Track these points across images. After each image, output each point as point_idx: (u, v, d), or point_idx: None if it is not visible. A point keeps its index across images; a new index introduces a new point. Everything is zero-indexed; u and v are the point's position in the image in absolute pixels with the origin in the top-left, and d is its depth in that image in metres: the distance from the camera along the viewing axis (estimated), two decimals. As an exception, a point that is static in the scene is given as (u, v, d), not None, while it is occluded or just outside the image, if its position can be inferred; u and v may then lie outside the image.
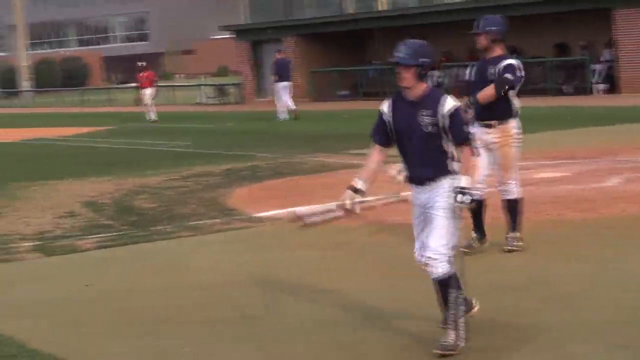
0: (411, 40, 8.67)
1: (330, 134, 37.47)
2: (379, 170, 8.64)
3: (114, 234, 18.05)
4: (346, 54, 57.59)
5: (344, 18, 63.10)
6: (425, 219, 8.48)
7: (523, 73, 14.23)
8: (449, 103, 8.11)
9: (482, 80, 14.12)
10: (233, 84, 67.16)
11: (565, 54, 47.54)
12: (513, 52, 50.82)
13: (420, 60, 8.12)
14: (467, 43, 51.26)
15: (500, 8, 57.59)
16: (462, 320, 8.35)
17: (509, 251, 14.01)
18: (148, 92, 54.11)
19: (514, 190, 14.15)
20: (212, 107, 65.49)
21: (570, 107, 40.12)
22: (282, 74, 52.55)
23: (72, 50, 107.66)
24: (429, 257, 8.22)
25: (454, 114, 8.13)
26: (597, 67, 45.57)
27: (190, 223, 18.86)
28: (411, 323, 10.66)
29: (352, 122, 41.11)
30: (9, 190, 24.57)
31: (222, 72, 73.18)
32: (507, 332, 10.52)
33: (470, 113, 13.94)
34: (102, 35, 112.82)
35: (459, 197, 8.09)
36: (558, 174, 21.53)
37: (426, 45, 8.61)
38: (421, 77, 8.19)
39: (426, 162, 8.24)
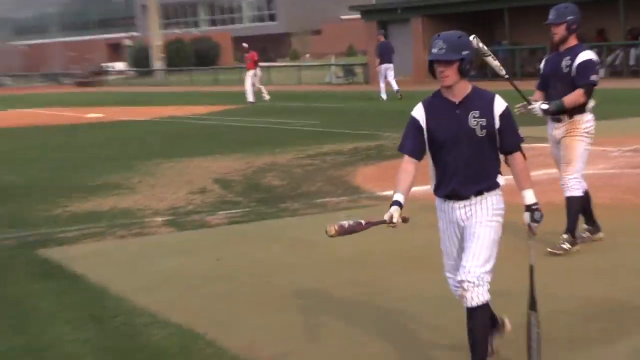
0: (446, 32, 7.58)
1: None
2: (413, 184, 7.54)
3: (243, 210, 18.42)
4: (473, 29, 57.04)
5: (468, 0, 62.41)
6: (464, 238, 7.57)
7: (598, 64, 13.84)
8: (501, 103, 7.33)
9: (554, 74, 13.64)
10: (360, 64, 67.06)
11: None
12: (599, 34, 51.01)
13: (463, 53, 7.12)
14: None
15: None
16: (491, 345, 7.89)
17: (550, 254, 13.02)
18: (251, 73, 54.18)
19: (575, 187, 13.24)
20: (340, 87, 65.24)
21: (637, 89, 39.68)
22: (385, 56, 52.37)
23: (203, 30, 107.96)
24: (469, 282, 7.25)
25: (507, 116, 7.33)
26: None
27: (317, 201, 18.98)
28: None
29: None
30: (145, 167, 25.00)
31: (351, 52, 73.16)
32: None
33: (545, 110, 13.49)
34: (231, 15, 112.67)
35: (535, 215, 7.39)
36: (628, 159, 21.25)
37: (465, 36, 7.65)
38: (465, 73, 7.20)
39: (474, 174, 7.37)
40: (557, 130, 13.58)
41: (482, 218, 7.34)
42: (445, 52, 7.07)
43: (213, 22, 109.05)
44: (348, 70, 70.67)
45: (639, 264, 12.36)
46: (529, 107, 13.57)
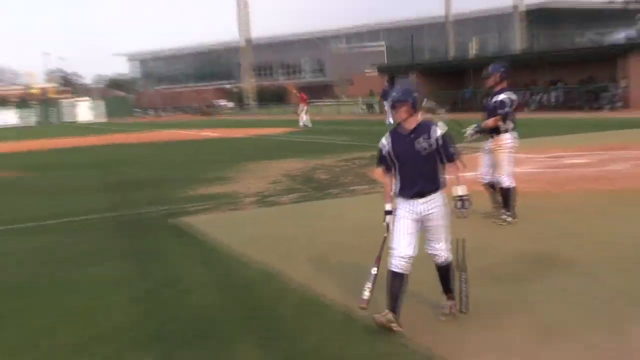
0: (403, 81, 8.06)
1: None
2: (392, 189, 7.72)
3: (301, 194, 18.80)
4: (449, 82, 56.95)
5: (447, 62, 63.19)
6: (426, 229, 7.61)
7: (513, 104, 13.27)
8: (438, 131, 7.33)
9: (484, 108, 13.69)
10: (375, 102, 67.52)
11: (593, 84, 46.29)
12: (556, 82, 51.19)
13: (414, 96, 7.31)
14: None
15: (551, 53, 56.55)
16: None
17: (500, 222, 13.16)
18: (303, 107, 54.38)
19: (504, 181, 13.12)
20: (363, 117, 64.47)
21: (594, 117, 39.13)
22: (387, 96, 51.47)
23: (277, 80, 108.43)
24: (439, 250, 7.61)
25: (442, 138, 7.34)
26: (612, 92, 44.29)
27: (349, 188, 19.12)
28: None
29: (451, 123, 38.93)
30: (238, 167, 25.13)
31: (371, 94, 73.12)
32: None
33: (471, 132, 13.74)
34: (296, 71, 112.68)
35: (459, 204, 7.62)
36: (584, 160, 21.11)
37: (415, 84, 8.15)
38: (414, 109, 7.32)
39: (427, 180, 7.40)
40: (488, 144, 13.51)
41: (438, 213, 7.43)
42: (402, 94, 7.31)
43: (285, 75, 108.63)
44: (369, 106, 71.15)
45: (556, 230, 12.45)
46: (469, 131, 13.69)
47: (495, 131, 13.27)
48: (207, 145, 38.20)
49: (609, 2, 76.22)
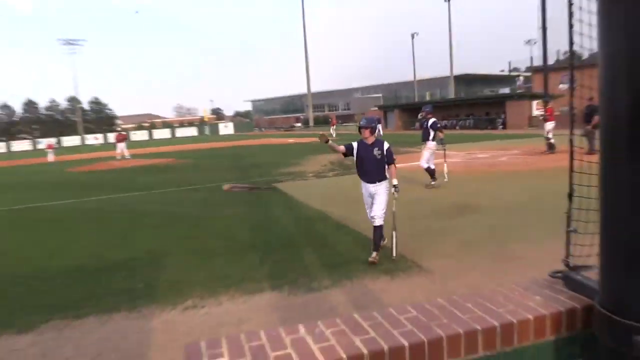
0: (369, 116, 7.88)
1: (408, 140, 34.22)
2: (338, 151, 7.18)
3: (338, 171, 18.23)
4: (414, 114, 55.87)
5: (413, 103, 61.31)
6: (373, 199, 7.07)
7: (440, 124, 13.67)
8: (387, 144, 7.04)
9: (422, 127, 13.61)
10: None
11: (490, 116, 46.14)
12: (470, 115, 51.34)
13: (373, 124, 7.12)
14: (451, 110, 50.84)
15: (458, 102, 55.62)
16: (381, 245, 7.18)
17: (429, 187, 13.05)
18: (332, 126, 47.82)
19: (423, 164, 13.18)
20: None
21: (490, 133, 38.74)
22: (381, 122, 50.65)
23: (324, 111, 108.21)
24: (376, 216, 6.99)
25: (388, 150, 7.02)
26: (500, 120, 44.23)
27: None
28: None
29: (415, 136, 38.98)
30: (304, 158, 24.51)
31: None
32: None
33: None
34: (334, 107, 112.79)
35: (393, 189, 7.05)
36: (485, 155, 20.82)
37: (375, 117, 7.94)
38: (373, 132, 7.04)
39: (377, 172, 6.97)
40: (423, 145, 13.42)
41: (382, 192, 7.02)
42: (366, 123, 7.05)
43: (329, 109, 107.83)
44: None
45: (469, 191, 12.26)
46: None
47: (425, 139, 13.32)
48: (288, 147, 38.20)
49: (501, 71, 79.14)
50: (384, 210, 7.04)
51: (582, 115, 15.04)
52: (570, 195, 1.95)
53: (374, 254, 6.95)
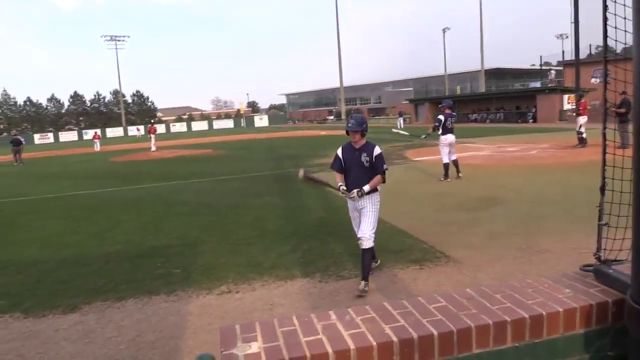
0: (357, 115, 5.99)
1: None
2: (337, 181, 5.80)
3: None
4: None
5: (443, 97, 59.64)
6: (360, 215, 5.79)
7: (439, 121, 12.76)
8: (378, 149, 5.68)
9: (449, 126, 12.70)
10: (408, 117, 65.64)
11: (520, 109, 45.19)
12: (500, 108, 50.44)
13: (364, 126, 5.62)
14: (479, 104, 49.96)
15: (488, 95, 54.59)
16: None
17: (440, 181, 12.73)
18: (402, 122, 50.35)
19: (444, 159, 12.76)
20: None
21: (521, 127, 37.90)
22: (400, 115, 50.41)
23: (356, 106, 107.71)
24: (364, 237, 5.62)
25: (378, 156, 5.65)
26: (530, 114, 43.38)
27: (392, 161, 17.67)
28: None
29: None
30: (333, 150, 24.76)
31: (406, 114, 71.55)
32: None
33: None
34: (365, 100, 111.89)
35: (359, 193, 5.59)
36: (515, 148, 20.41)
37: (365, 117, 5.99)
38: (363, 135, 5.62)
39: (363, 183, 5.56)
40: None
41: (370, 207, 5.67)
42: (356, 125, 5.55)
43: (360, 102, 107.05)
44: (404, 119, 69.15)
45: (496, 184, 12.06)
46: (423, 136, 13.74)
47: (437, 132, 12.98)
48: (320, 139, 38.19)
49: (532, 65, 77.42)
50: (374, 229, 5.69)
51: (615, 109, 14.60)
52: (602, 189, 1.91)
53: (363, 283, 5.56)
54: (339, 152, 5.83)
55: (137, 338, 4.70)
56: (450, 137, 12.80)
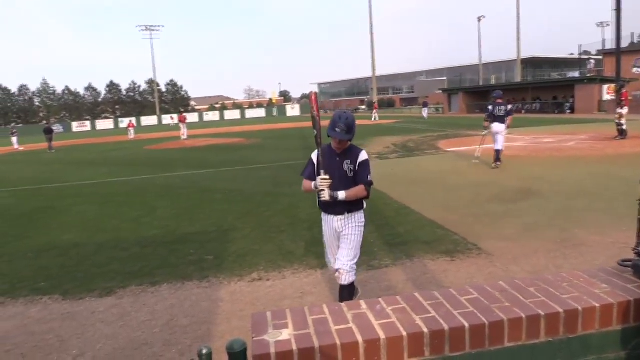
0: (343, 114, 4.17)
1: (472, 124, 32.95)
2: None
3: (400, 153, 18.00)
4: (479, 98, 53.77)
5: (478, 87, 59.06)
6: (340, 240, 4.36)
7: (502, 106, 13.00)
8: (363, 155, 4.26)
9: (496, 114, 12.93)
10: (441, 107, 64.62)
11: (557, 100, 44.12)
12: (537, 98, 49.38)
13: (353, 132, 4.14)
14: (515, 94, 48.87)
15: (529, 84, 53.44)
16: None
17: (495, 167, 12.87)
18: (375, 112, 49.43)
19: (502, 148, 13.03)
20: (433, 115, 61.65)
21: (558, 117, 36.99)
22: (423, 106, 49.82)
23: (388, 95, 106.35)
24: (344, 269, 4.26)
25: (364, 163, 4.22)
26: (568, 104, 42.33)
27: (425, 151, 18.12)
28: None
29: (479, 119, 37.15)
30: (367, 139, 23.82)
31: (438, 104, 70.68)
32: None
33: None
34: (399, 90, 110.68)
35: (333, 194, 4.08)
36: (551, 140, 19.96)
37: (353, 117, 4.22)
38: (350, 141, 4.20)
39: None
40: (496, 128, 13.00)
41: (353, 230, 4.30)
42: (345, 134, 4.04)
43: (393, 92, 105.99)
44: (436, 109, 68.17)
45: (532, 175, 11.82)
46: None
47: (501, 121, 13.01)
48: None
49: (571, 55, 75.20)
50: (356, 259, 4.36)
51: None
52: (643, 182, 1.85)
53: None
54: (314, 156, 4.26)
55: (170, 322, 4.80)
56: (495, 126, 13.04)
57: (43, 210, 11.15)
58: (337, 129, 4.09)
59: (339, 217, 4.30)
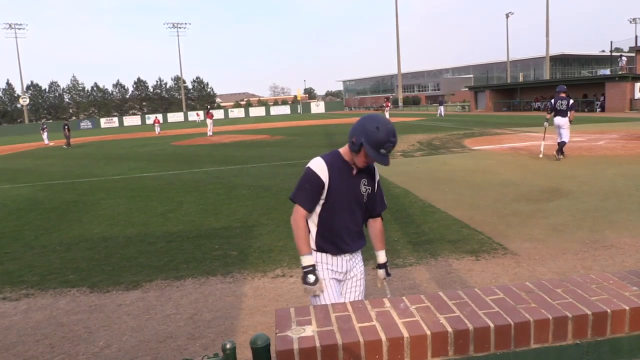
0: (394, 132, 2.71)
1: (499, 122, 31.96)
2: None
3: (426, 151, 17.81)
4: (506, 96, 53.34)
5: (506, 84, 58.34)
6: (344, 287, 3.05)
7: (564, 100, 13.51)
8: (377, 171, 3.13)
9: (558, 108, 13.43)
10: (467, 105, 63.80)
11: (587, 98, 43.26)
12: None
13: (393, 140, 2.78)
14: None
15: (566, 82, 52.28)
16: None
17: (556, 158, 13.47)
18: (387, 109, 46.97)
19: (566, 140, 13.56)
20: (459, 113, 60.66)
21: (588, 116, 36.22)
22: (440, 103, 49.71)
23: (414, 92, 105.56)
24: None
25: (380, 185, 3.14)
26: (598, 102, 41.50)
27: (452, 149, 17.93)
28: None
29: (506, 117, 37.21)
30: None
31: (465, 101, 69.59)
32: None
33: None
34: (424, 87, 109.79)
35: (388, 270, 3.22)
36: (581, 138, 19.52)
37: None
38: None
39: (359, 228, 3.05)
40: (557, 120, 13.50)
41: (361, 272, 3.15)
42: (388, 160, 2.76)
43: (418, 90, 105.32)
44: (462, 107, 67.46)
45: (562, 175, 11.63)
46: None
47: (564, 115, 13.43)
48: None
49: (602, 52, 73.49)
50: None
51: None
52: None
53: None
54: (318, 170, 2.97)
55: (194, 316, 4.86)
56: (557, 119, 13.53)
57: (74, 204, 11.38)
58: (383, 150, 2.77)
59: (347, 255, 3.07)
